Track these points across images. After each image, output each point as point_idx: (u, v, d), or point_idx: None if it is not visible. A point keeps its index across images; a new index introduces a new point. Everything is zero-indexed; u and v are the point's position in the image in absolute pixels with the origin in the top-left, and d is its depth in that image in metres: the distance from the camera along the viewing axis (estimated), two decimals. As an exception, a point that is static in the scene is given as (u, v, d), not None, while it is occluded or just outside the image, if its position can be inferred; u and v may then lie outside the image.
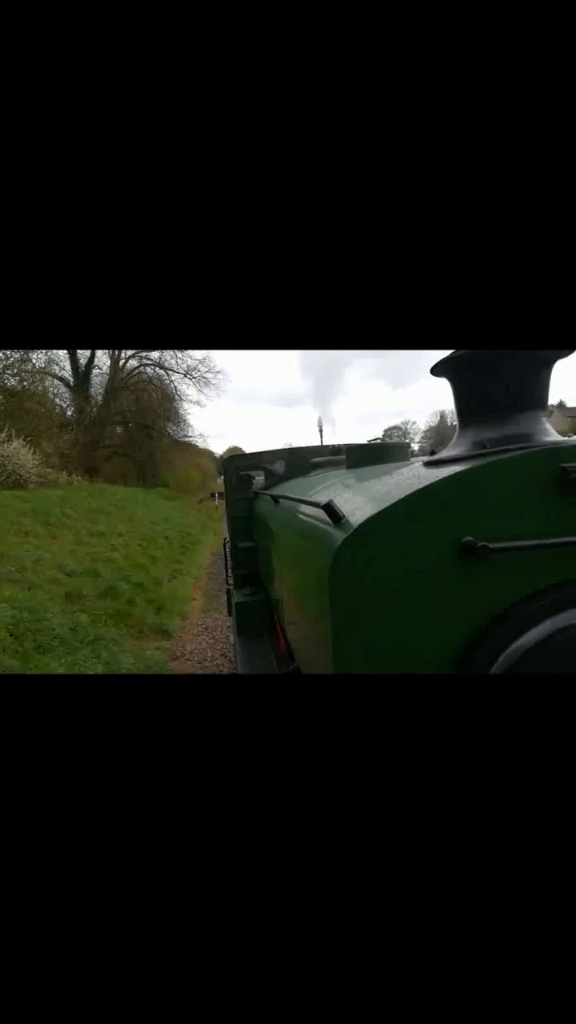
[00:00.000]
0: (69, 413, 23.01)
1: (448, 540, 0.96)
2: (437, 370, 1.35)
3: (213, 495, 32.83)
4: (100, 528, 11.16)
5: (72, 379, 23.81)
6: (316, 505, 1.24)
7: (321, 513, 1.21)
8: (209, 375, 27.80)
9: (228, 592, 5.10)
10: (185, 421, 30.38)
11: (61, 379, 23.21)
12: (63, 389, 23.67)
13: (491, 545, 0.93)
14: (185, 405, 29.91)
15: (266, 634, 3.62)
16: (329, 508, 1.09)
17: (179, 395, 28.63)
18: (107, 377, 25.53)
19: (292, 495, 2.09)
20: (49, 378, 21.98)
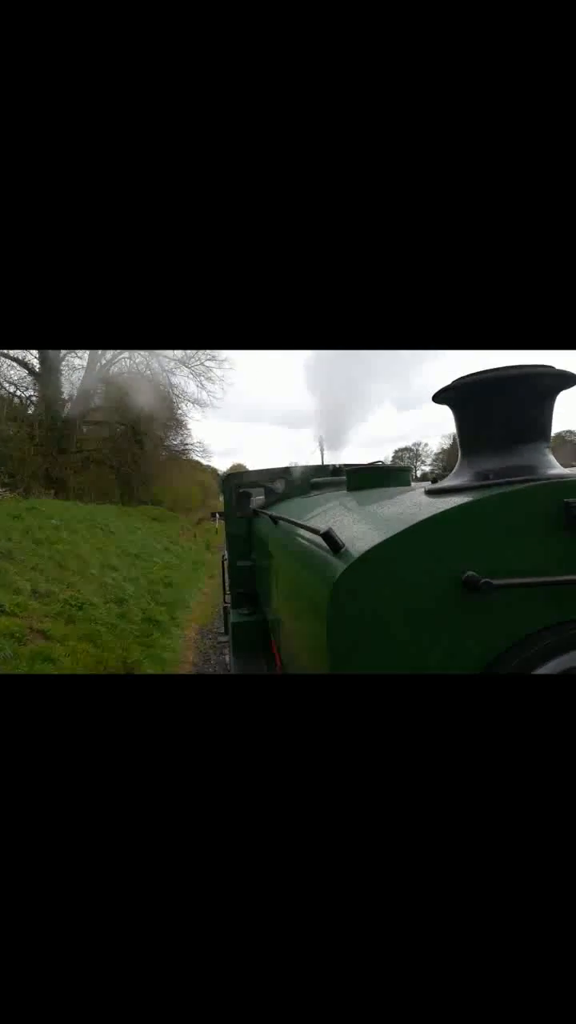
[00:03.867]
0: (29, 403, 17.70)
1: (449, 573, 0.93)
2: (439, 398, 1.32)
3: (214, 515, 28.30)
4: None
5: (38, 361, 18.37)
6: (315, 532, 1.21)
7: (320, 539, 1.19)
8: (212, 363, 22.57)
9: (225, 610, 5.23)
10: (184, 426, 25.03)
11: (16, 360, 17.75)
12: (22, 372, 18.29)
13: (494, 581, 0.89)
14: (184, 406, 24.21)
15: (262, 654, 3.45)
16: (328, 537, 1.07)
17: (176, 392, 23.24)
18: (86, 363, 20.23)
19: (291, 517, 2.00)
20: None
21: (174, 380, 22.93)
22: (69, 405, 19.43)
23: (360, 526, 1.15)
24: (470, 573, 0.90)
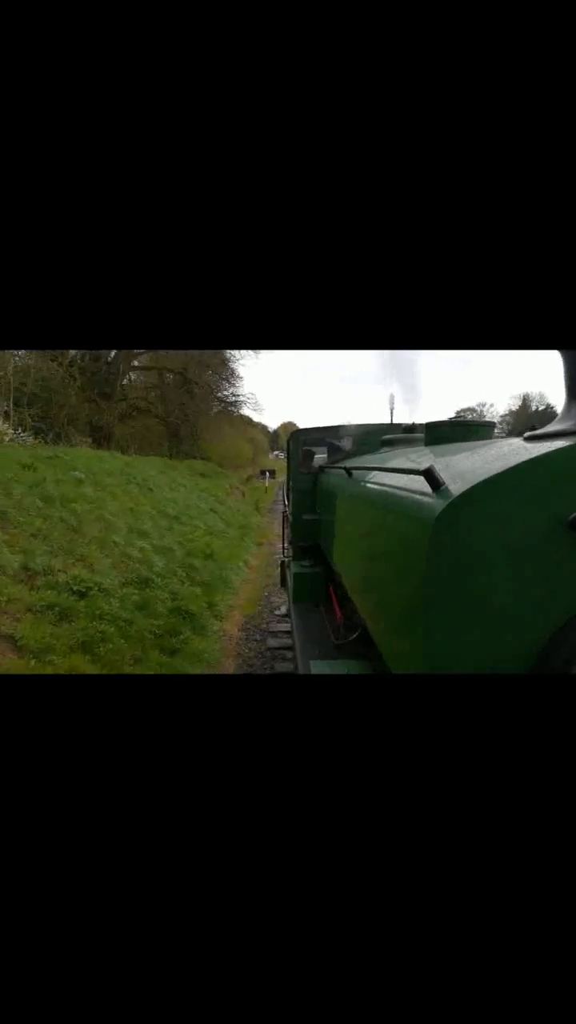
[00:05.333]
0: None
1: (554, 514, 0.91)
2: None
3: (264, 473, 26.71)
4: None
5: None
6: (414, 472, 1.20)
7: (413, 483, 1.26)
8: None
9: (282, 564, 5.70)
10: (236, 375, 22.80)
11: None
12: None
13: None
14: (236, 352, 21.83)
15: (322, 605, 3.64)
16: (429, 474, 1.06)
17: None
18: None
19: (377, 466, 2.02)
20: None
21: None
22: (113, 351, 17.75)
23: (457, 468, 1.12)
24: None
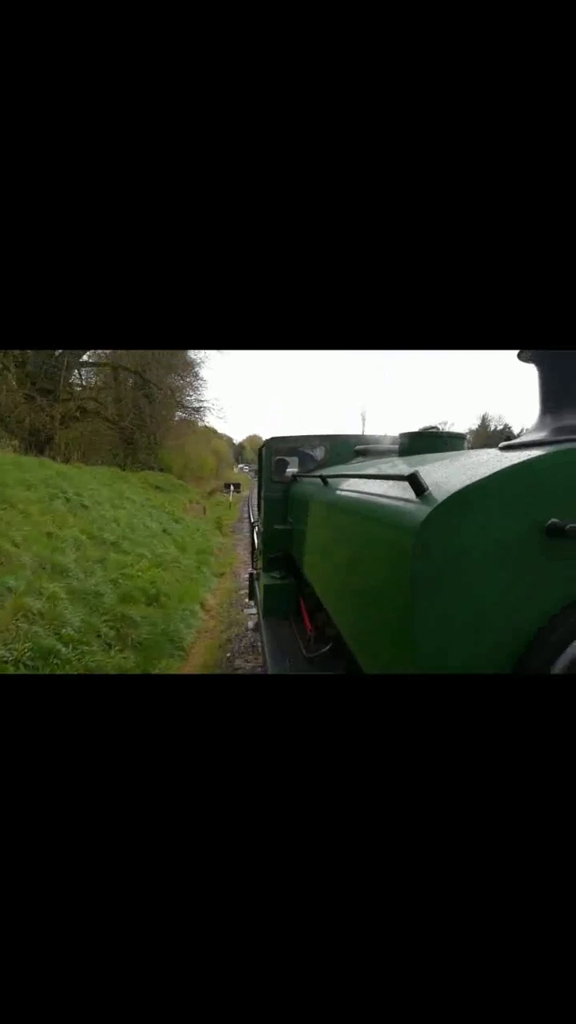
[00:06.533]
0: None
1: (533, 520, 0.93)
2: (525, 356, 1.35)
3: (228, 486, 25.07)
4: None
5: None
6: (398, 478, 1.22)
7: (392, 490, 1.28)
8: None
9: (251, 576, 5.57)
10: (201, 379, 20.89)
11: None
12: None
13: None
14: (195, 352, 19.79)
15: (291, 617, 3.63)
16: (414, 480, 1.07)
17: None
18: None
19: (356, 473, 2.03)
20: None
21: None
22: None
23: (437, 475, 1.14)
24: (554, 520, 0.91)
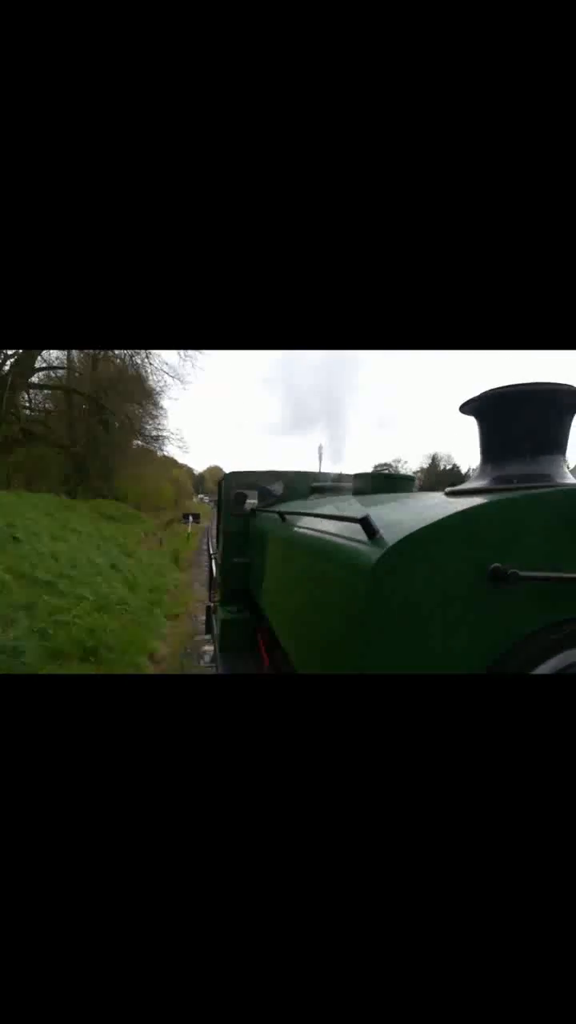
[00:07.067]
0: None
1: (478, 565, 0.97)
2: (467, 408, 1.40)
3: (187, 516, 24.09)
4: None
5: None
6: (351, 520, 1.23)
7: (346, 530, 1.28)
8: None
9: (208, 609, 5.63)
10: (159, 406, 20.08)
11: None
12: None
13: (520, 572, 0.94)
14: (155, 381, 18.99)
15: (249, 653, 3.62)
16: (366, 522, 1.09)
17: (148, 363, 18.06)
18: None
19: (308, 512, 2.08)
20: None
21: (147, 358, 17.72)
22: (10, 362, 14.41)
23: (388, 518, 1.17)
24: (496, 565, 0.94)
